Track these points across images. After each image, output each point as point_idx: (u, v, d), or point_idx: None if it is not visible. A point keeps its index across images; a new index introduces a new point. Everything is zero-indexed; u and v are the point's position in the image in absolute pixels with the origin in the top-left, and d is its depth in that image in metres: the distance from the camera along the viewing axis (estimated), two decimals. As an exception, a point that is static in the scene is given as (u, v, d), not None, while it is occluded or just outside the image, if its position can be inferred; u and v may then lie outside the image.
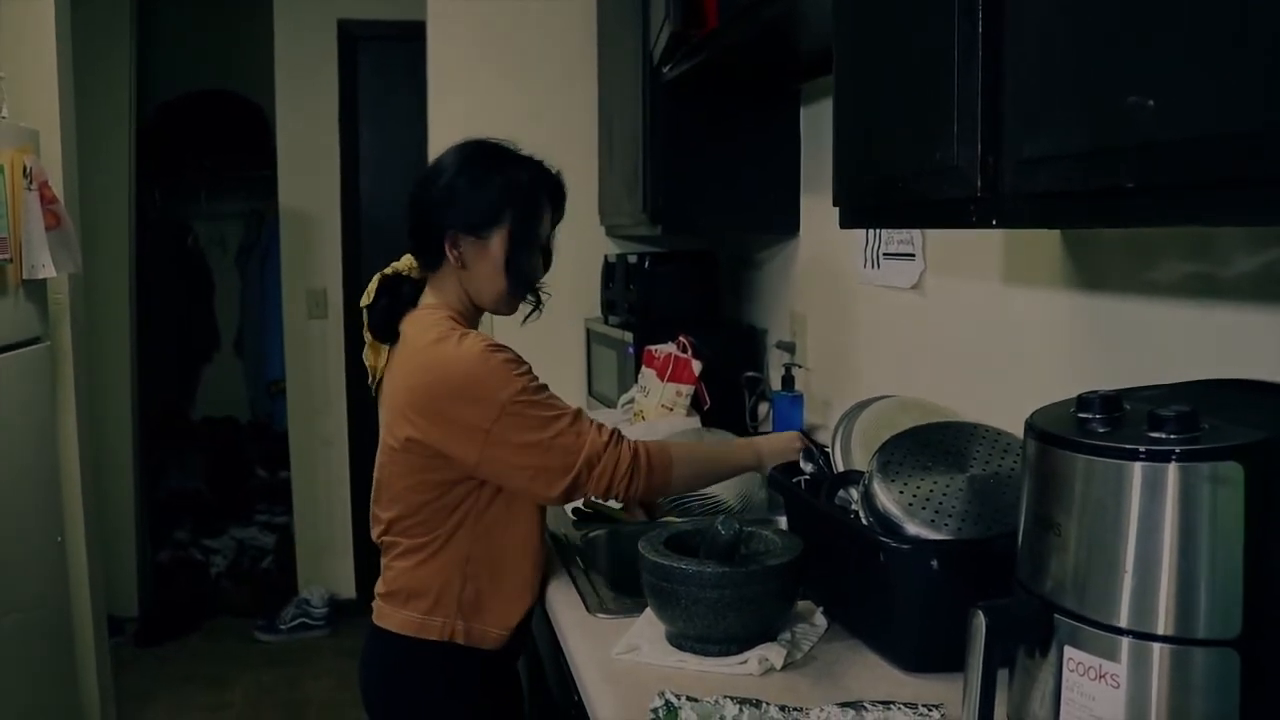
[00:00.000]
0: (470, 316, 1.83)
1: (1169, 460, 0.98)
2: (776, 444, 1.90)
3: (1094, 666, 1.03)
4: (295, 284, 4.70)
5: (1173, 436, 0.99)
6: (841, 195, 1.52)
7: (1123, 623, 1.00)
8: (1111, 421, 1.08)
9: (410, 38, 3.88)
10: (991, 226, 1.17)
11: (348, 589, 4.82)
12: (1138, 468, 0.99)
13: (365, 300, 1.86)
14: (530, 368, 1.74)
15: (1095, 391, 1.11)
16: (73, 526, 3.28)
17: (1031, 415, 1.15)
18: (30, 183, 2.89)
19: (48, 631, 2.98)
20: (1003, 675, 1.10)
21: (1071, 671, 1.06)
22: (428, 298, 1.82)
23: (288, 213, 4.68)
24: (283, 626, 4.58)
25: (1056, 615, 1.07)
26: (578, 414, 1.72)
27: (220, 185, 5.39)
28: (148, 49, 4.98)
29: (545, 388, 1.73)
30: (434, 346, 1.70)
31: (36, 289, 2.98)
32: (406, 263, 1.87)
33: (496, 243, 1.77)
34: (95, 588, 3.41)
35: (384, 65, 4.69)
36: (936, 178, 1.23)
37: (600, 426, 1.73)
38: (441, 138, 3.41)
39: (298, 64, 4.61)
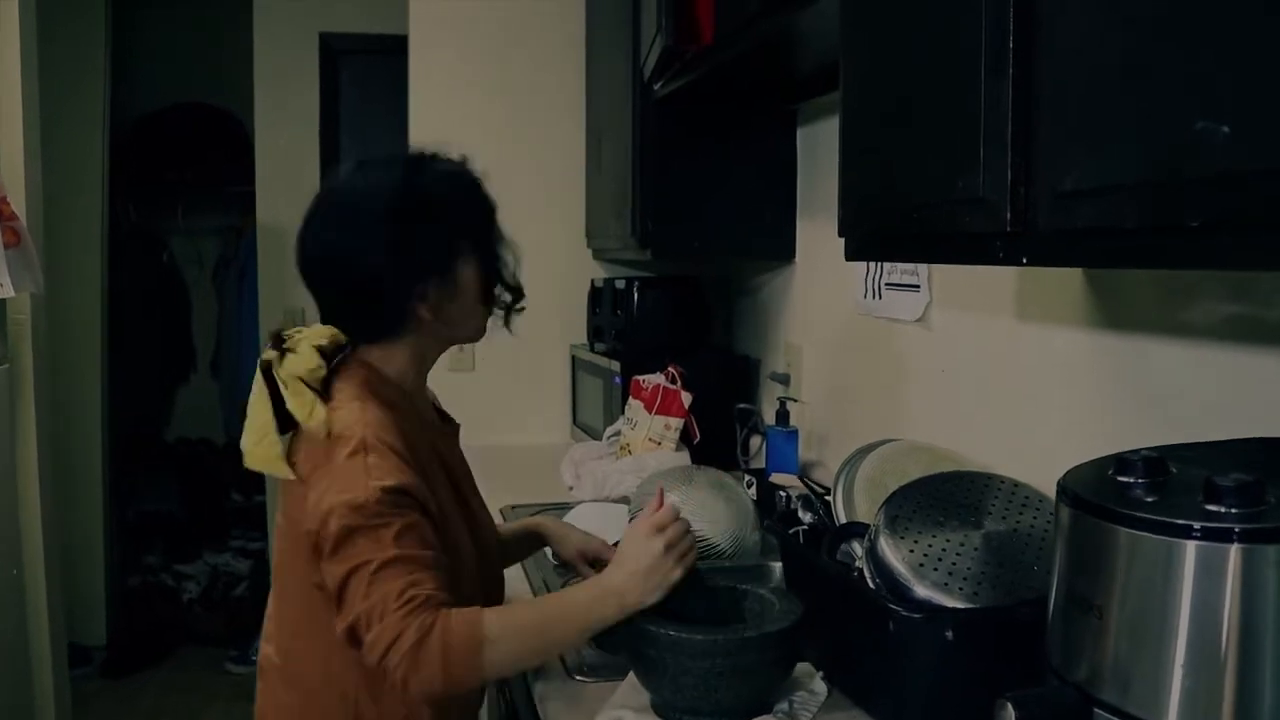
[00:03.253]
0: (419, 372, 1.55)
1: (1230, 540, 0.85)
2: (643, 577, 1.33)
3: (1142, 771, 0.90)
4: (273, 302, 4.55)
5: (1234, 511, 0.86)
6: (848, 225, 1.39)
7: (1174, 725, 0.87)
8: (1157, 487, 0.95)
9: (392, 50, 3.76)
10: (1022, 265, 1.04)
11: (323, 618, 4.66)
12: (1192, 548, 0.86)
13: (301, 369, 1.46)
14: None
15: (1137, 451, 0.98)
16: (31, 558, 3.13)
17: (1064, 476, 1.03)
18: (-12, 198, 2.75)
19: (1, 666, 2.82)
20: None
21: (1116, 775, 0.92)
22: (353, 374, 1.48)
23: (265, 229, 4.54)
24: (255, 657, 4.40)
25: (1096, 710, 0.94)
26: (403, 560, 1.30)
27: (198, 200, 5.25)
28: (126, 61, 4.85)
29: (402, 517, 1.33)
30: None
31: (-6, 308, 2.84)
32: (325, 333, 1.52)
33: (467, 275, 1.49)
34: (55, 620, 3.25)
35: (365, 79, 4.56)
36: (959, 209, 1.10)
37: (417, 583, 1.29)
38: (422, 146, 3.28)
39: (278, 77, 4.48)
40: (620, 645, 1.39)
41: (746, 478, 2.28)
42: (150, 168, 5.07)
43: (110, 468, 4.54)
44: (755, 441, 2.72)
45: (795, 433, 2.42)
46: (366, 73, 4.53)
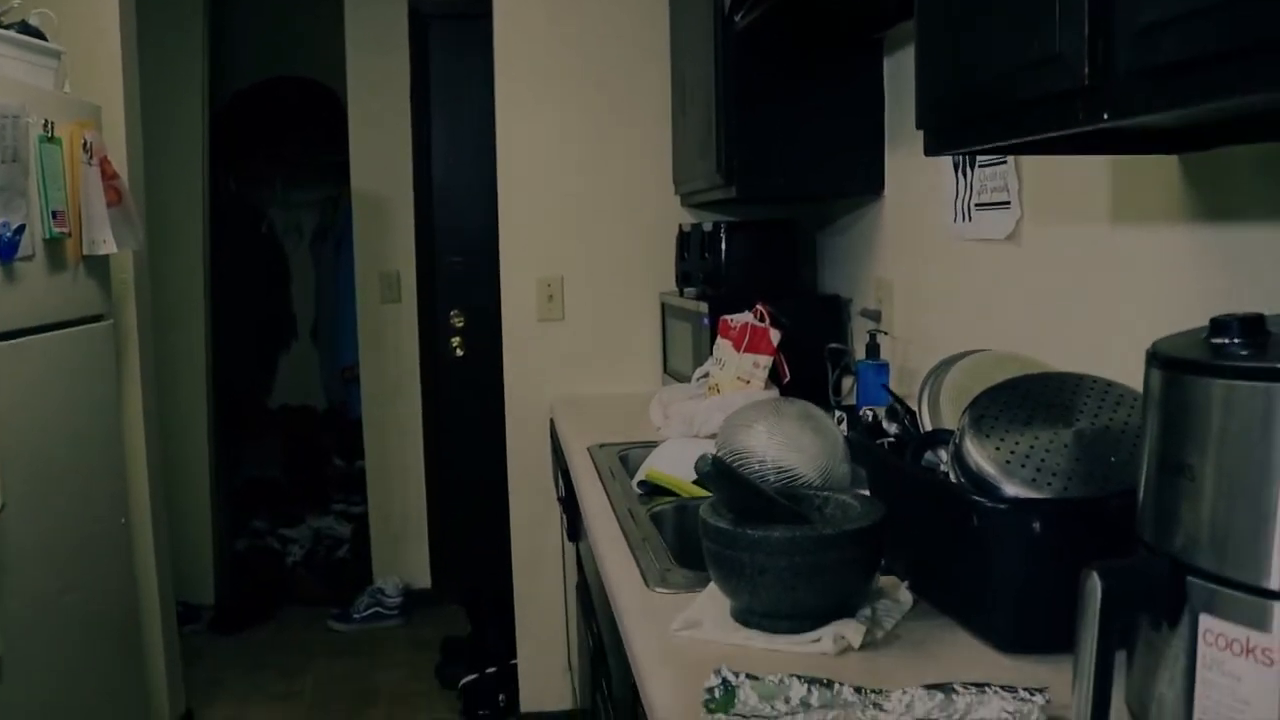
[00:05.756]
0: None
1: (1334, 378, 0.79)
2: None
3: (1239, 639, 0.85)
4: (368, 267, 4.63)
5: (1337, 352, 0.80)
6: (926, 116, 1.34)
7: (1275, 584, 0.82)
8: (1255, 345, 0.89)
9: (480, 14, 3.76)
10: (1103, 122, 0.98)
11: (423, 579, 4.74)
12: (1294, 391, 0.80)
13: None
14: None
15: (1232, 314, 0.92)
16: (138, 509, 3.22)
17: (1153, 344, 0.97)
18: (90, 157, 2.83)
19: (111, 614, 2.91)
20: (1120, 657, 0.93)
21: (1209, 646, 0.87)
22: None
23: (360, 196, 4.61)
24: (357, 616, 4.50)
25: (1189, 577, 0.88)
26: None
27: (295, 172, 5.36)
28: (223, 36, 4.96)
29: None
30: None
31: (98, 266, 2.92)
32: None
33: None
34: (163, 571, 3.35)
35: (455, 44, 4.58)
36: (1035, 73, 1.05)
37: None
38: (508, 105, 3.29)
39: (369, 47, 4.54)
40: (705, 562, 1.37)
41: (837, 413, 2.23)
42: (248, 141, 5.19)
43: (215, 434, 4.66)
44: (847, 382, 2.66)
45: (886, 365, 2.37)
46: (455, 38, 4.55)
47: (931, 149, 1.36)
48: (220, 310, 4.72)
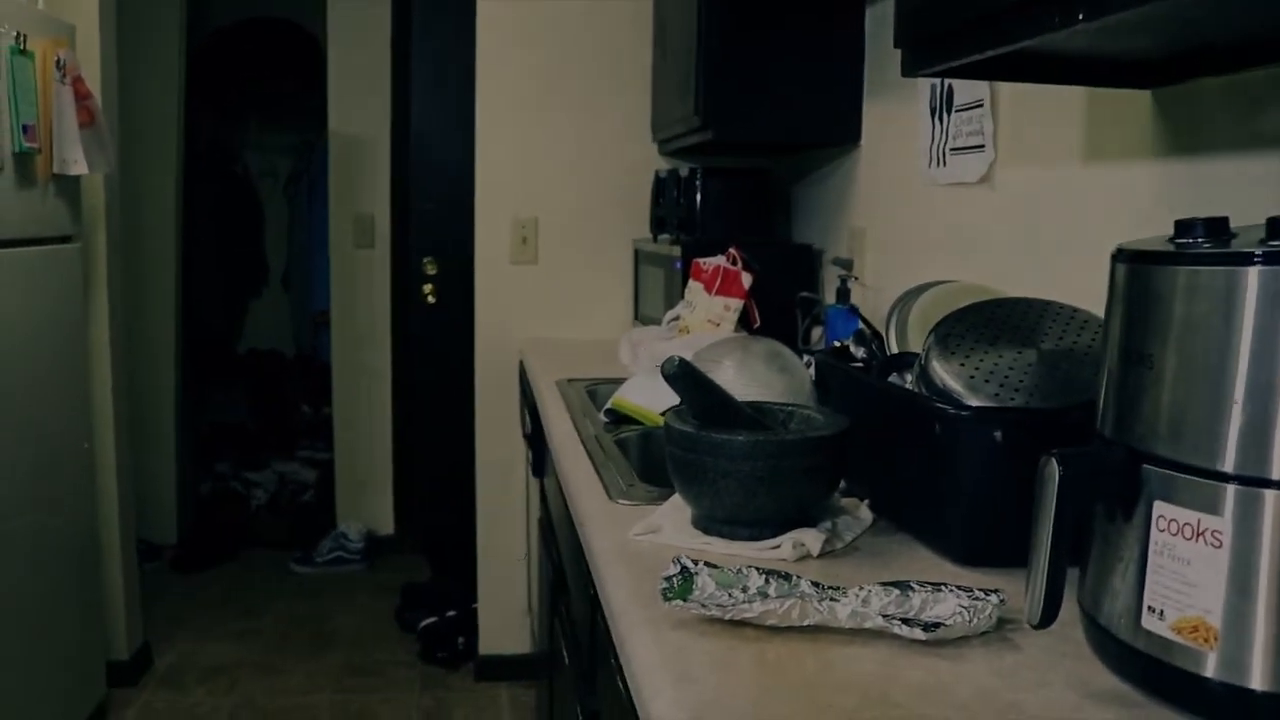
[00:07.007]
0: None
1: (1295, 264, 0.80)
2: None
3: (1190, 523, 0.86)
4: (343, 210, 4.60)
5: (1299, 240, 0.82)
6: (903, 32, 1.34)
7: (1228, 467, 0.83)
8: (1219, 244, 0.90)
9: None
10: (1079, 22, 0.99)
11: (386, 525, 4.73)
12: (1253, 273, 0.81)
13: None
14: None
15: (1196, 217, 0.93)
16: (103, 437, 3.20)
17: (1118, 245, 0.98)
18: (63, 76, 2.79)
19: (70, 538, 2.89)
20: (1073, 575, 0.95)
21: (1162, 532, 0.89)
22: None
23: (337, 138, 4.57)
24: (319, 559, 4.50)
25: (1145, 465, 0.90)
26: None
27: (272, 114, 5.31)
28: (203, -28, 4.90)
29: None
30: None
31: (68, 186, 2.89)
32: None
33: None
34: (124, 501, 3.33)
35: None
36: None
37: None
38: (489, 46, 3.27)
39: (351, -14, 4.50)
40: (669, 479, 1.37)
41: (805, 357, 2.24)
42: (225, 81, 5.13)
43: (183, 376, 4.62)
44: (817, 332, 2.67)
45: (855, 310, 2.38)
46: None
47: (909, 67, 1.36)
48: (192, 250, 4.68)
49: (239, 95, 5.17)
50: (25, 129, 2.60)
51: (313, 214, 5.12)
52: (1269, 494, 0.81)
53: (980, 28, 1.16)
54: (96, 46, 3.16)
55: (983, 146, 1.95)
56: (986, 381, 1.28)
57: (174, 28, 4.46)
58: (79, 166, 2.82)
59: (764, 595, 1.07)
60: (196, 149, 4.80)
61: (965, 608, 1.05)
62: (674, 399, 1.69)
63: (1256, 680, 0.82)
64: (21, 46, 2.57)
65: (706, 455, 1.28)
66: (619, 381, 2.35)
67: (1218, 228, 0.92)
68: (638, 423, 2.06)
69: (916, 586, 1.09)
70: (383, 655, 3.70)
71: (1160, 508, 0.88)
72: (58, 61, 2.76)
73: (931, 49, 1.30)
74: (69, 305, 2.91)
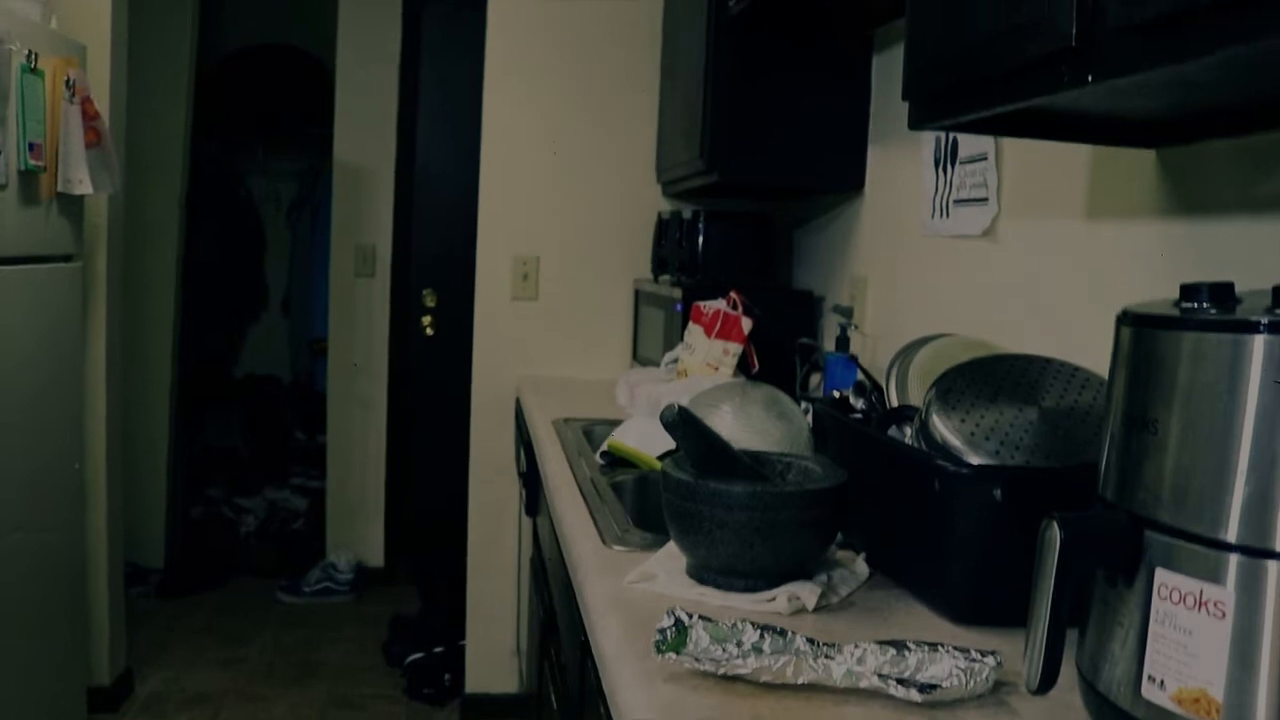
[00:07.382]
0: None
1: (1302, 331, 0.80)
2: None
3: (1193, 592, 0.85)
4: (345, 238, 4.60)
5: (1306, 307, 0.81)
6: (912, 85, 1.35)
7: (1232, 537, 0.82)
8: (1224, 309, 0.90)
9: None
10: (1087, 84, 0.99)
11: (376, 557, 4.70)
12: (1259, 341, 0.81)
13: None
14: None
15: (1201, 281, 0.93)
16: (94, 458, 3.18)
17: (1124, 308, 0.98)
18: (72, 95, 2.80)
19: (57, 559, 2.87)
20: (1072, 636, 0.93)
21: (1163, 600, 0.87)
22: None
23: (342, 166, 4.58)
24: (306, 589, 4.46)
25: (1148, 531, 0.89)
26: None
27: (278, 141, 5.32)
28: (213, 1, 4.92)
29: None
30: None
31: (72, 205, 2.89)
32: None
33: None
34: (113, 523, 3.31)
35: (447, 20, 4.56)
36: (1022, 35, 1.06)
37: None
38: (498, 82, 3.28)
39: (361, 17, 4.53)
40: (665, 525, 1.36)
41: (803, 404, 2.23)
42: (233, 107, 5.14)
43: (178, 399, 4.61)
44: (815, 379, 2.66)
45: (855, 359, 2.37)
46: (448, 13, 4.54)
47: (916, 120, 1.36)
48: (192, 273, 4.68)
49: (245, 120, 5.19)
50: (32, 147, 2.60)
51: (314, 241, 5.13)
52: (1272, 565, 0.80)
53: (990, 85, 1.17)
54: (107, 68, 3.17)
55: (986, 199, 1.95)
56: (987, 438, 1.27)
57: (185, 51, 4.48)
58: (84, 186, 2.82)
59: (759, 651, 1.06)
60: (201, 172, 4.80)
61: (962, 669, 1.03)
62: (671, 443, 1.68)
63: (1258, 756, 0.81)
64: (32, 65, 2.58)
65: (703, 504, 1.27)
66: (616, 422, 2.34)
67: (1223, 293, 0.91)
68: (634, 465, 2.05)
69: (913, 646, 1.07)
70: (368, 689, 3.67)
71: (1162, 575, 0.87)
72: (67, 81, 2.77)
73: (940, 104, 1.31)
74: (67, 324, 2.90)
